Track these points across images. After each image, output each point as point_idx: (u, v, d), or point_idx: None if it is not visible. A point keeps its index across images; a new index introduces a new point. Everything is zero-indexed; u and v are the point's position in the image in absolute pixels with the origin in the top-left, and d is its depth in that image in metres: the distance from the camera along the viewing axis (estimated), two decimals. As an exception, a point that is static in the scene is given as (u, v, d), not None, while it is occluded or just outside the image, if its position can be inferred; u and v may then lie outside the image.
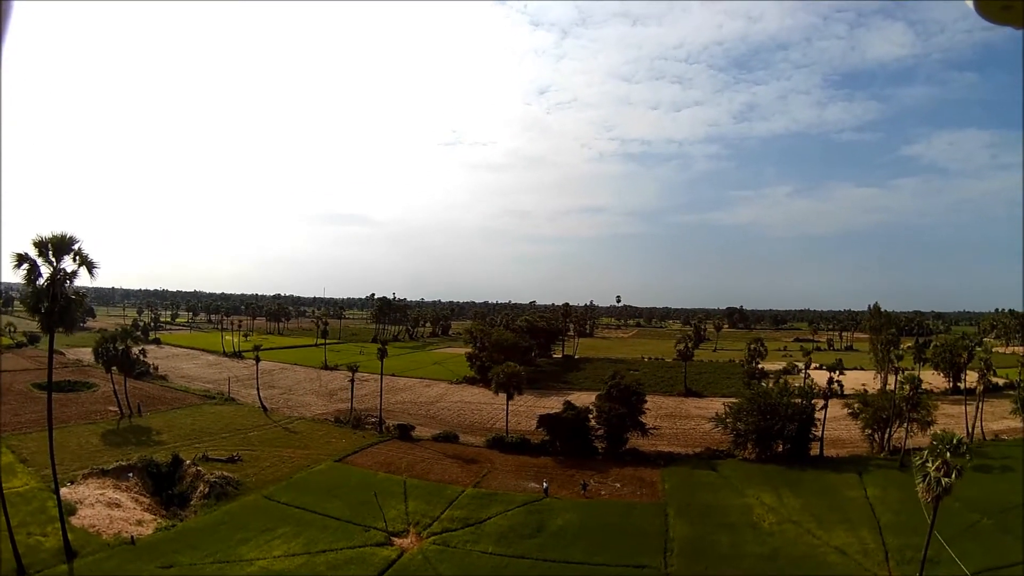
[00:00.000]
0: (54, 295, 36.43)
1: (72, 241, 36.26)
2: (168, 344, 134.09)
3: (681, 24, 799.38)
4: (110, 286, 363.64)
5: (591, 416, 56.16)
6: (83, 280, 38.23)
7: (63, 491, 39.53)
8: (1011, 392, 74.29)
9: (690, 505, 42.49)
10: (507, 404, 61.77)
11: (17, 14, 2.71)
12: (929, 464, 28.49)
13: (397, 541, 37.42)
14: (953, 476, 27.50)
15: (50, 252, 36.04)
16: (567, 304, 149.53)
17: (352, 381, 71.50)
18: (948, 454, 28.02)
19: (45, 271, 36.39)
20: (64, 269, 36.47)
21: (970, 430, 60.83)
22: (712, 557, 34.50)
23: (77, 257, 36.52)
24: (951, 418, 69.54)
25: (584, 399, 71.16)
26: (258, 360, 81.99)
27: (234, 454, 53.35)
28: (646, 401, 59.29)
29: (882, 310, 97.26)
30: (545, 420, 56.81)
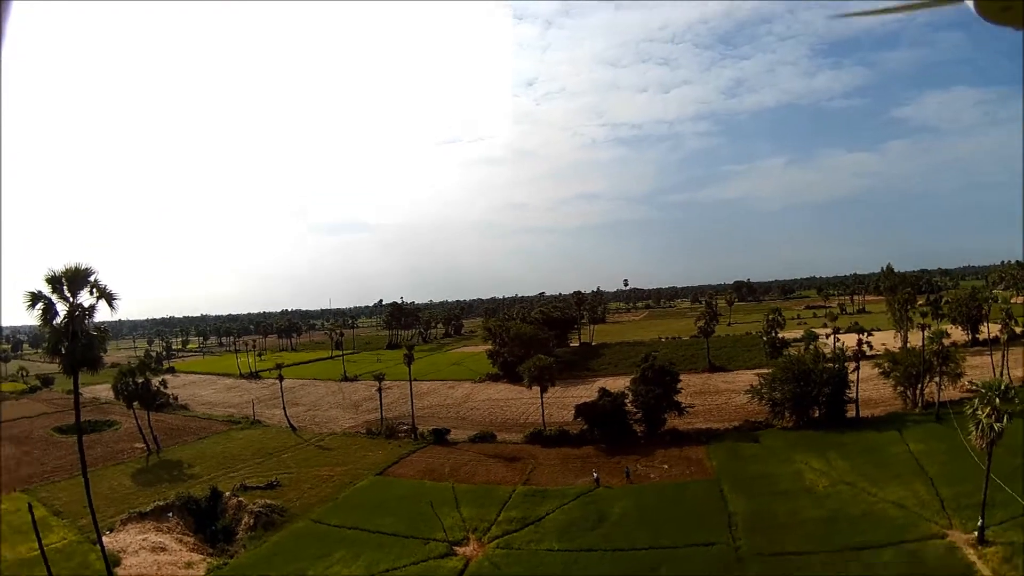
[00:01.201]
0: (74, 333, 34.79)
1: (88, 273, 34.60)
2: (183, 372, 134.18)
3: (664, 5, 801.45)
4: (117, 319, 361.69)
5: (627, 400, 57.30)
6: (103, 314, 35.79)
7: (104, 540, 38.42)
8: (1025, 340, 76.16)
9: (742, 478, 43.79)
10: (541, 397, 62.83)
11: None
12: (980, 412, 29.85)
13: (459, 550, 36.88)
14: (1005, 420, 28.80)
15: (65, 287, 34.38)
16: (579, 292, 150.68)
17: (379, 391, 72.03)
18: (997, 400, 29.33)
19: (61, 308, 34.68)
20: (81, 304, 34.81)
21: (997, 378, 62.41)
22: (775, 527, 35.71)
23: (94, 290, 34.77)
24: (975, 369, 70.86)
25: (612, 384, 72.26)
26: (281, 378, 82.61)
27: (272, 479, 52.85)
28: (680, 380, 60.45)
29: (894, 270, 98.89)
30: (582, 409, 57.93)
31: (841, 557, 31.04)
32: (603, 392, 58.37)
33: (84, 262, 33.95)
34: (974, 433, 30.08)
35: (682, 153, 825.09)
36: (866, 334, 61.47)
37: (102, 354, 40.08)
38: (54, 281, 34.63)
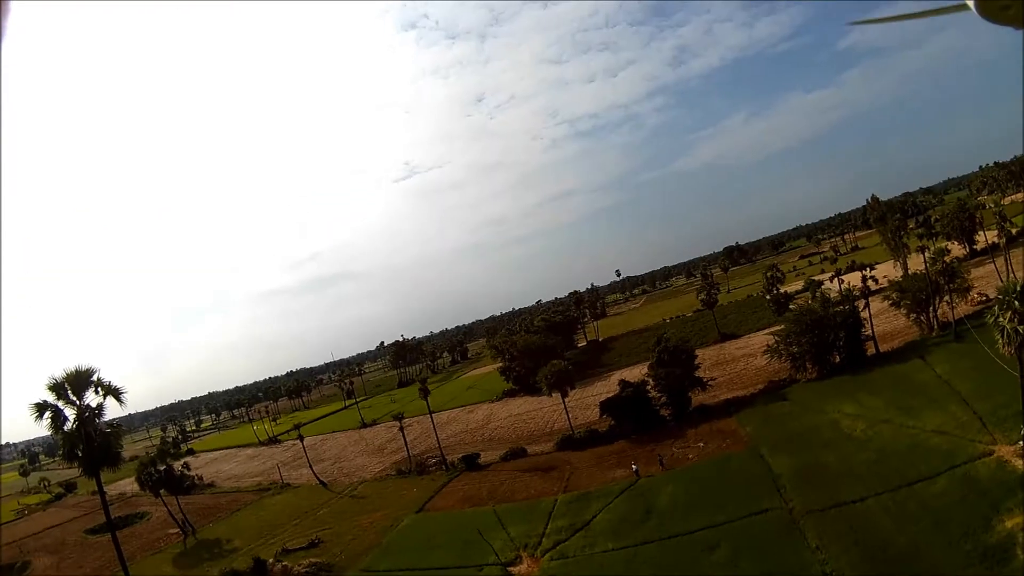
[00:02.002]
0: (88, 435, 35.34)
1: (90, 373, 35.16)
2: (203, 451, 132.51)
3: None
4: (127, 413, 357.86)
5: (649, 387, 56.86)
6: (113, 410, 36.89)
7: None
8: (1023, 240, 76.35)
9: (780, 438, 43.27)
10: (564, 402, 62.27)
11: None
12: (1002, 318, 29.46)
13: (514, 570, 36.41)
14: (1029, 322, 28.50)
15: (69, 391, 34.93)
16: (575, 292, 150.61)
17: (401, 429, 71.68)
18: (1017, 303, 28.98)
19: (70, 412, 35.22)
20: (89, 405, 35.37)
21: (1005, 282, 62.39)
22: (825, 479, 35.19)
23: (99, 388, 35.33)
24: (981, 279, 71.17)
25: (629, 374, 72.01)
26: (301, 438, 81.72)
27: (313, 538, 52.27)
28: (696, 356, 60.10)
29: (879, 199, 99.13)
30: (607, 405, 57.47)
31: (895, 497, 30.55)
32: (624, 384, 57.94)
33: (84, 363, 34.74)
34: (1000, 340, 29.71)
35: (644, 132, 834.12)
36: (868, 269, 61.12)
37: (119, 450, 40.69)
38: (57, 388, 34.79)
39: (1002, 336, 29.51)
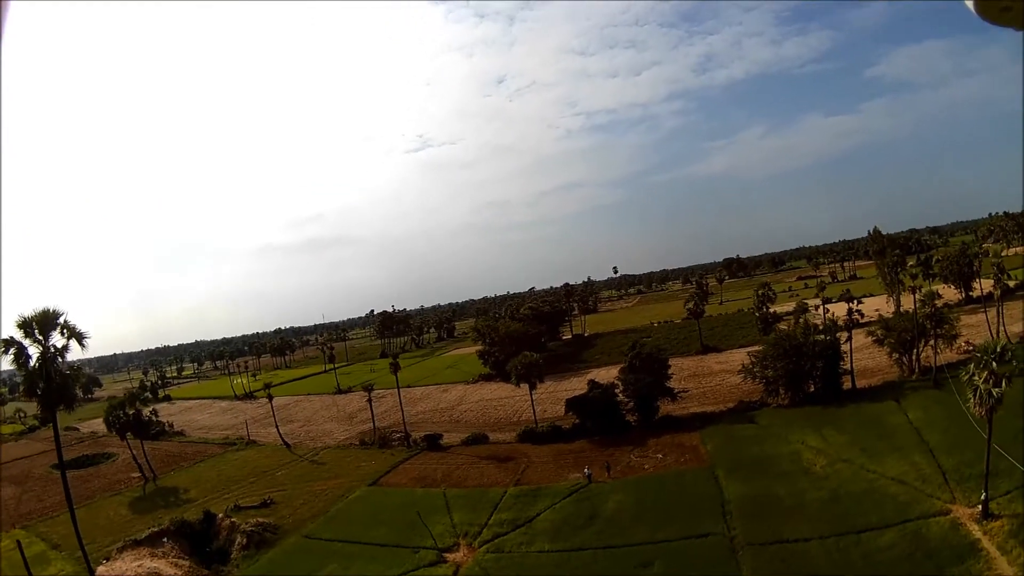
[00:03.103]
0: (48, 374, 35.45)
1: (56, 315, 35.23)
2: (179, 399, 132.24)
3: None
4: (112, 353, 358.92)
5: (618, 390, 55.30)
6: (75, 353, 37.11)
7: (100, 569, 39.70)
8: (1022, 293, 74.15)
9: (738, 462, 41.73)
10: (531, 394, 60.80)
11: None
12: (976, 377, 27.69)
13: (449, 557, 36.03)
14: (1004, 385, 26.67)
15: (36, 331, 35.05)
16: (568, 284, 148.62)
17: (370, 401, 70.36)
18: (994, 363, 27.19)
19: (34, 351, 35.42)
20: (55, 346, 35.52)
21: (994, 336, 60.36)
22: (773, 512, 33.69)
23: (64, 331, 35.48)
24: (971, 328, 69.11)
25: (605, 375, 70.43)
26: (271, 397, 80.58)
27: (266, 498, 52.16)
28: (670, 366, 58.42)
29: (882, 233, 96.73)
30: (573, 403, 55.98)
31: (840, 543, 28.94)
32: (593, 384, 56.36)
33: (53, 305, 34.86)
34: (972, 400, 27.94)
35: (660, 134, 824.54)
36: (856, 302, 59.13)
37: (76, 392, 40.83)
38: (25, 326, 35.08)
39: (975, 395, 27.71)
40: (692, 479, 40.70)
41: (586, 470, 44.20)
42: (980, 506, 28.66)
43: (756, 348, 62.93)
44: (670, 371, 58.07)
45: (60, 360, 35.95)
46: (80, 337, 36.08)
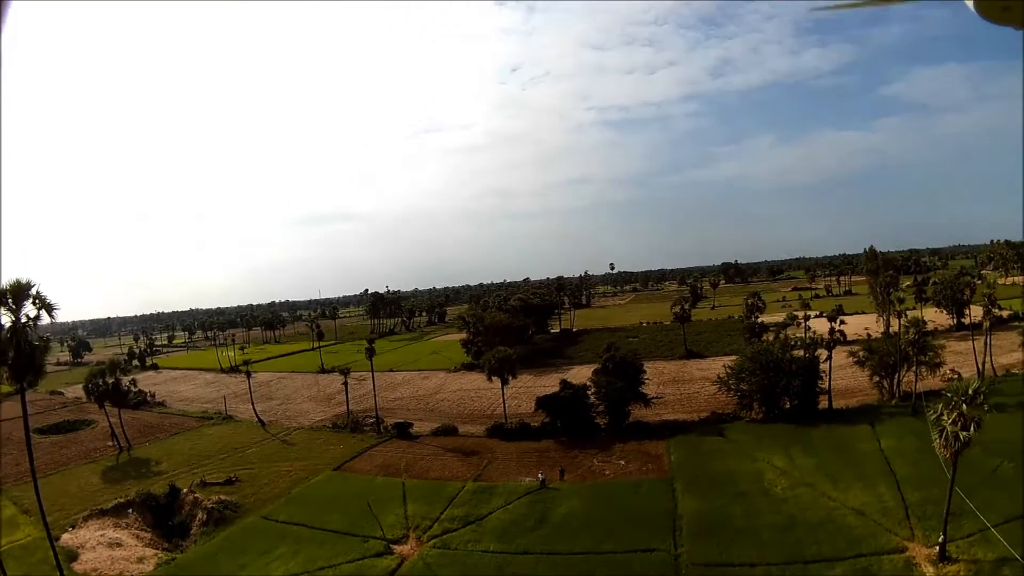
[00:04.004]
0: (18, 344, 35.80)
1: (29, 286, 35.56)
2: (166, 368, 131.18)
3: None
4: (106, 316, 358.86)
5: (590, 392, 53.69)
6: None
7: (65, 536, 40.14)
8: (1016, 324, 71.93)
9: (699, 477, 40.05)
10: (503, 390, 59.26)
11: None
12: (944, 418, 25.79)
13: (397, 548, 35.54)
14: (972, 429, 24.79)
15: (9, 300, 35.16)
16: (560, 278, 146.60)
17: (345, 384, 69.04)
18: (964, 406, 25.27)
19: (6, 320, 35.65)
20: (27, 315, 35.83)
21: (980, 367, 58.36)
22: (725, 532, 32.12)
23: (37, 301, 35.77)
24: (959, 355, 67.14)
25: (584, 373, 68.77)
26: (249, 375, 79.35)
27: (232, 475, 51.75)
28: (645, 371, 56.72)
29: (877, 252, 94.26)
30: (544, 402, 54.40)
31: (787, 572, 27.34)
32: (564, 384, 54.64)
33: (26, 276, 35.33)
34: (938, 442, 26.07)
35: (672, 134, 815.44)
36: (838, 321, 56.95)
37: (43, 364, 40.71)
38: None
39: (940, 437, 25.82)
40: (648, 490, 39.12)
41: (540, 475, 42.65)
42: (938, 548, 26.95)
43: (737, 359, 61.05)
44: (645, 376, 56.40)
45: (30, 331, 36.38)
46: (50, 308, 36.63)
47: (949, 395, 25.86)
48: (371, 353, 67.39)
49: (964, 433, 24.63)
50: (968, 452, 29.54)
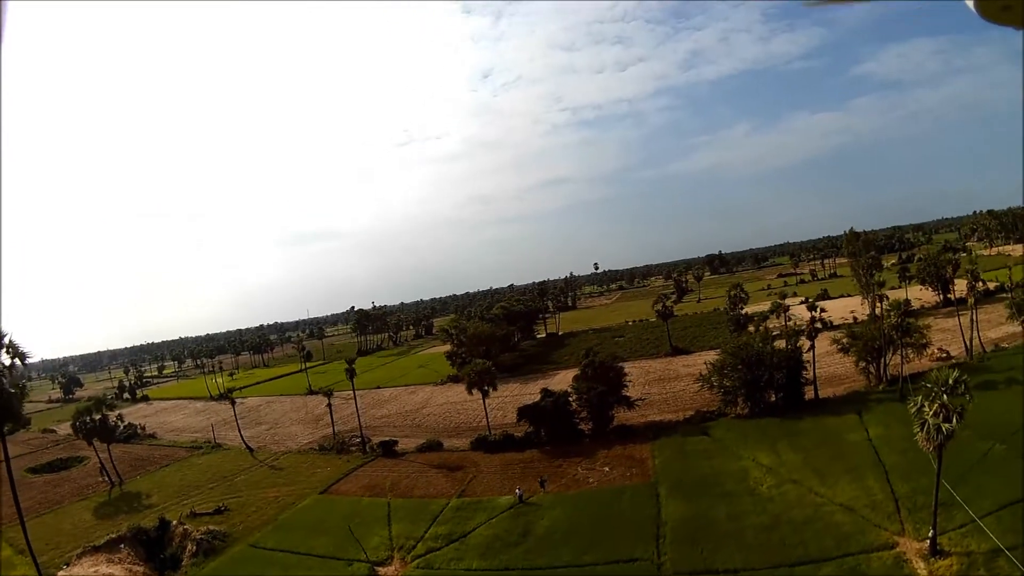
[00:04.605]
0: None
1: (1, 336, 36.83)
2: (157, 399, 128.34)
3: None
4: (96, 351, 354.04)
5: (572, 399, 52.15)
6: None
7: (60, 574, 40.56)
8: (1003, 296, 70.81)
9: (683, 479, 38.56)
10: (484, 402, 57.58)
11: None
12: (926, 409, 24.41)
13: (381, 571, 34.98)
14: (954, 421, 23.40)
15: None
16: (543, 282, 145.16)
17: (329, 406, 67.42)
18: (945, 396, 23.90)
19: None
20: (1, 363, 37.32)
21: (968, 343, 57.16)
22: (710, 536, 30.67)
23: (10, 350, 37.26)
24: (946, 332, 66.04)
25: (570, 378, 67.27)
26: (233, 403, 77.64)
27: (220, 504, 51.02)
28: (626, 374, 55.17)
29: (859, 232, 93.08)
30: (526, 411, 52.84)
31: (773, 575, 26.01)
32: (545, 392, 53.14)
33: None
34: (920, 435, 24.70)
35: (646, 129, 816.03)
36: (818, 310, 55.60)
37: (20, 410, 43.80)
38: None
39: (922, 430, 24.44)
40: (632, 497, 37.64)
41: (517, 490, 41.06)
42: (928, 542, 25.53)
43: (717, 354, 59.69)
44: (627, 378, 54.91)
45: (5, 379, 37.96)
46: (23, 356, 38.55)
47: (929, 385, 24.49)
48: (351, 374, 65.76)
49: (947, 425, 23.27)
50: (959, 436, 28.30)
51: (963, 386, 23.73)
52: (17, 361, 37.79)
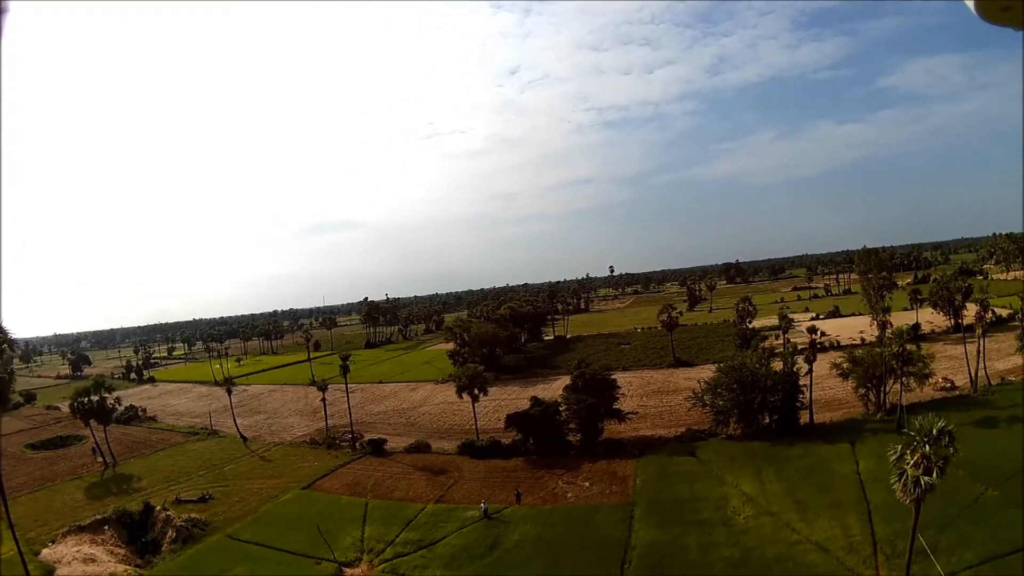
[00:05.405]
0: None
1: None
2: (163, 381, 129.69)
3: None
4: (109, 328, 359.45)
5: (562, 408, 51.04)
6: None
7: (45, 551, 41.11)
8: (1015, 324, 67.76)
9: (660, 502, 37.27)
10: (473, 406, 56.81)
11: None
12: (907, 458, 22.78)
13: (349, 572, 34.86)
14: (935, 475, 21.74)
15: None
16: (553, 283, 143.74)
17: (323, 400, 67.41)
18: (927, 446, 22.23)
19: None
20: None
21: (973, 375, 54.51)
22: (676, 565, 29.50)
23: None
24: (954, 360, 63.21)
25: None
26: (230, 392, 77.99)
27: (205, 493, 51.23)
28: (619, 387, 53.82)
29: (875, 250, 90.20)
30: (514, 419, 51.83)
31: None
32: (535, 401, 52.08)
33: None
34: (897, 486, 23.09)
35: (670, 133, 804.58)
36: (819, 333, 53.53)
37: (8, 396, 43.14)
38: None
39: (900, 480, 22.83)
40: (605, 517, 36.49)
41: (483, 504, 40.02)
42: (900, 594, 24.00)
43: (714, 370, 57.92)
44: (620, 391, 53.62)
45: None
46: (11, 343, 39.30)
47: (912, 434, 22.85)
48: (345, 370, 65.46)
49: (926, 478, 21.60)
50: (952, 475, 26.52)
51: (947, 437, 22.02)
52: (6, 347, 37.73)
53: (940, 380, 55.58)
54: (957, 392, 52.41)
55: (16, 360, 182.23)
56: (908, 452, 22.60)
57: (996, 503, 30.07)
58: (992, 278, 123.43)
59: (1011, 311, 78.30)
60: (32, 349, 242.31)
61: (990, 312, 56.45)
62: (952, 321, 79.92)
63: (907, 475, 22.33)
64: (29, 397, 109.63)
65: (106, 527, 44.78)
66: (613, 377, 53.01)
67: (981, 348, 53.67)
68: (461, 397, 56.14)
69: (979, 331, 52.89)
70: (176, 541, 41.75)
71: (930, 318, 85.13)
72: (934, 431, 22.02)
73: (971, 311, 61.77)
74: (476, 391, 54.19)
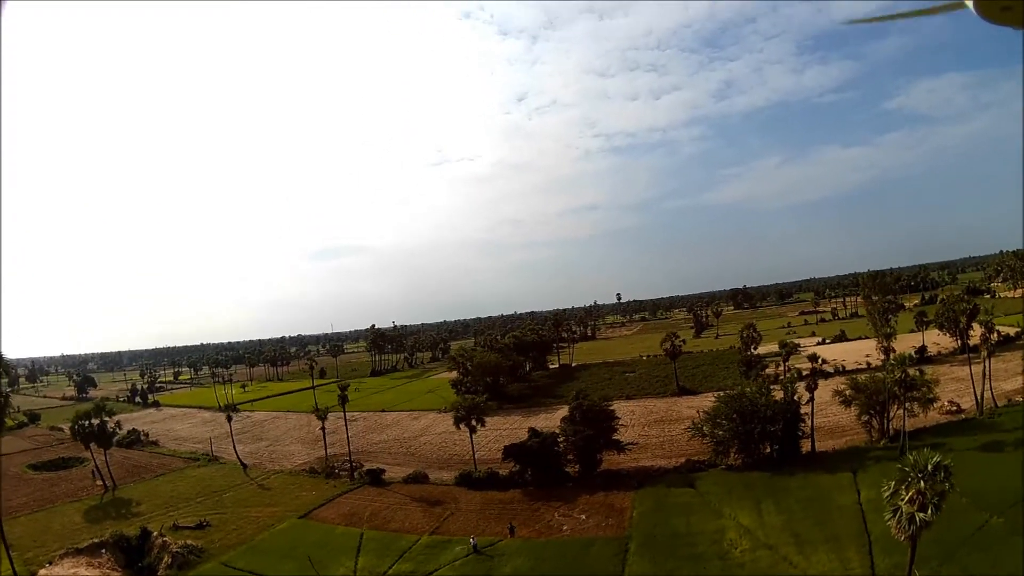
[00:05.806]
0: None
1: None
2: (167, 405, 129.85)
3: (647, 11, 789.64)
4: (116, 350, 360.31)
5: (560, 440, 50.36)
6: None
7: (41, 572, 41.07)
8: (1022, 343, 66.53)
9: (656, 536, 36.43)
10: (471, 437, 56.27)
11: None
12: (901, 494, 22.18)
13: None
14: (930, 512, 21.11)
15: None
16: (558, 311, 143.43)
17: (323, 429, 67.15)
18: (923, 483, 21.66)
19: None
20: None
21: (979, 397, 53.37)
22: (672, 604, 28.66)
23: None
24: (960, 382, 62.00)
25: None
26: (230, 418, 78.22)
27: (202, 520, 51.01)
28: (618, 417, 53.11)
29: (879, 273, 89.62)
30: (512, 450, 51.22)
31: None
32: (532, 432, 51.50)
33: None
34: (892, 522, 22.42)
35: (678, 159, 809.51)
36: (820, 361, 52.77)
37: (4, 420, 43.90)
38: None
39: (895, 516, 22.19)
40: (600, 551, 35.71)
41: (472, 539, 39.17)
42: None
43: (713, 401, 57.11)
44: (619, 422, 52.93)
45: None
46: (8, 369, 39.28)
47: (907, 469, 22.28)
48: (344, 400, 65.67)
49: (921, 515, 20.97)
50: (956, 503, 25.79)
51: (943, 472, 21.42)
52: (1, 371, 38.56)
53: (946, 403, 54.49)
54: (963, 415, 51.30)
55: (22, 380, 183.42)
56: (903, 488, 21.98)
57: (1000, 531, 29.07)
58: (1000, 296, 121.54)
59: (1018, 329, 77.04)
60: (39, 369, 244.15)
61: (995, 333, 55.47)
62: (958, 342, 78.68)
63: (902, 511, 21.69)
64: (33, 417, 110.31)
65: (103, 551, 44.83)
66: (612, 407, 52.53)
67: (987, 370, 52.67)
68: (459, 428, 55.70)
69: (984, 353, 51.98)
70: (171, 567, 41.47)
71: (936, 339, 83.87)
72: (929, 466, 21.44)
73: (977, 332, 61.02)
74: (473, 422, 53.71)
